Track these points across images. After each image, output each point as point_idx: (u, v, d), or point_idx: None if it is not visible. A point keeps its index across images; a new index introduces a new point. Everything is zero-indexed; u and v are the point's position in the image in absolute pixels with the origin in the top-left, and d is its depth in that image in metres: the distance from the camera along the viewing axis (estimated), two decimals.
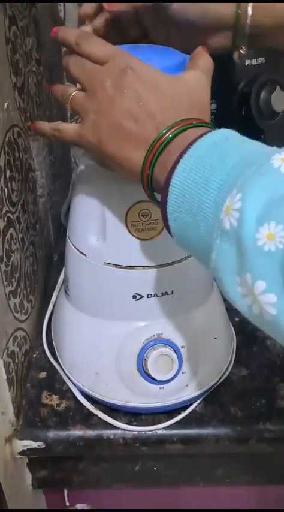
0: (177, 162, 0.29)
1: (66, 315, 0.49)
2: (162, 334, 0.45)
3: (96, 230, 0.43)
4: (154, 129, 0.32)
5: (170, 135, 0.31)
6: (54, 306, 0.56)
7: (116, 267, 0.43)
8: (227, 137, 0.29)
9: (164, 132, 0.31)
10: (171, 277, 0.44)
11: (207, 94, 0.35)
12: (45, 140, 0.64)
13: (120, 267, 0.43)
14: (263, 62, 0.59)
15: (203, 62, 0.35)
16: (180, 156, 0.29)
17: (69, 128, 0.36)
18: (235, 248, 0.25)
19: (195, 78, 0.34)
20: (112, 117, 0.33)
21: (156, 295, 0.44)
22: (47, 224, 0.65)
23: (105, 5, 0.39)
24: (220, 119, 0.59)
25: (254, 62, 0.59)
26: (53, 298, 0.58)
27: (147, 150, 0.32)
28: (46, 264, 0.63)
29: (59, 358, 0.51)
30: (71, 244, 0.46)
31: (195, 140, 0.29)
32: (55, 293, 0.58)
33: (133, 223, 0.41)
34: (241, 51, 0.41)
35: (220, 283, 0.27)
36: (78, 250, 0.45)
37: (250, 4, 0.37)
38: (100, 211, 0.42)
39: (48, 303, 0.58)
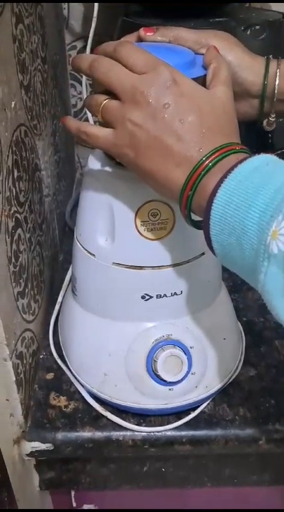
0: (219, 185, 0.30)
1: (74, 316, 0.49)
2: (171, 335, 0.45)
3: (105, 230, 0.43)
4: (197, 151, 0.32)
5: (213, 161, 0.31)
6: (60, 307, 0.56)
7: (125, 268, 0.43)
8: (268, 162, 0.29)
9: (208, 155, 0.31)
10: (180, 277, 0.44)
11: (234, 111, 0.35)
12: (49, 139, 0.63)
13: (129, 267, 0.43)
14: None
15: (224, 75, 0.35)
16: (221, 180, 0.30)
17: (99, 134, 0.35)
18: None
19: (226, 95, 0.34)
20: (153, 131, 0.32)
21: (165, 295, 0.44)
22: (52, 224, 0.64)
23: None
24: None
25: None
26: (60, 299, 0.57)
27: (189, 171, 0.32)
28: (52, 263, 0.62)
29: (66, 359, 0.51)
30: (79, 245, 0.46)
31: (236, 165, 0.30)
32: (61, 293, 0.58)
33: (143, 223, 0.41)
34: (270, 118, 0.42)
35: (269, 304, 0.28)
36: (86, 250, 0.45)
37: (278, 72, 0.38)
38: (109, 211, 0.42)
39: (55, 303, 0.57)
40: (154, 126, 0.32)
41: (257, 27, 0.58)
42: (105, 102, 0.34)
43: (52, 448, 0.46)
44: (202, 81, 0.37)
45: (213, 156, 0.31)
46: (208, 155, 0.31)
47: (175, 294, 0.44)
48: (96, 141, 0.35)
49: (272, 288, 0.27)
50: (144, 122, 0.32)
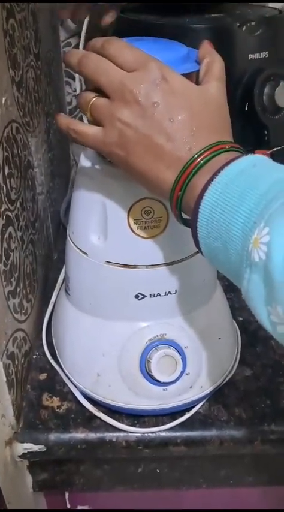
0: (205, 188, 0.29)
1: (67, 315, 0.48)
2: (165, 334, 0.44)
3: (98, 228, 0.42)
4: (187, 150, 0.31)
5: (203, 161, 0.31)
6: (54, 306, 0.55)
7: (118, 266, 0.42)
8: (255, 164, 0.29)
9: (197, 155, 0.31)
10: (175, 276, 0.43)
11: (227, 106, 0.34)
12: (43, 137, 0.62)
13: (122, 266, 0.42)
14: (267, 56, 0.58)
15: (218, 70, 0.34)
16: (208, 182, 0.29)
17: (89, 132, 0.34)
18: (265, 280, 0.26)
19: (219, 91, 0.34)
20: (142, 130, 0.31)
21: (159, 294, 0.43)
22: (46, 222, 0.63)
23: None
24: None
25: (257, 55, 0.58)
26: (53, 298, 0.57)
27: (178, 171, 0.31)
28: (45, 262, 0.62)
29: (59, 359, 0.50)
30: (72, 243, 0.45)
31: (223, 167, 0.29)
32: (55, 292, 0.57)
33: (136, 221, 0.40)
34: None
35: (253, 310, 0.28)
36: (78, 249, 0.44)
37: None
38: (102, 208, 0.41)
39: (48, 303, 0.57)
40: (143, 125, 0.32)
41: (253, 23, 0.58)
42: (94, 99, 0.33)
43: (44, 449, 0.45)
44: (195, 76, 0.36)
45: (202, 156, 0.31)
46: (197, 155, 0.31)
47: (170, 293, 0.44)
48: (86, 140, 0.34)
49: (254, 296, 0.27)
50: (133, 120, 0.32)
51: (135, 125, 0.32)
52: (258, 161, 0.29)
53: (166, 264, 0.42)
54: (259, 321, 0.28)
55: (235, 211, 0.28)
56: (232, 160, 0.29)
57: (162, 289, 0.43)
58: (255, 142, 0.59)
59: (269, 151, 0.57)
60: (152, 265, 0.42)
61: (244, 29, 0.57)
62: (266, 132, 0.57)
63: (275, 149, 0.57)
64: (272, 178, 0.28)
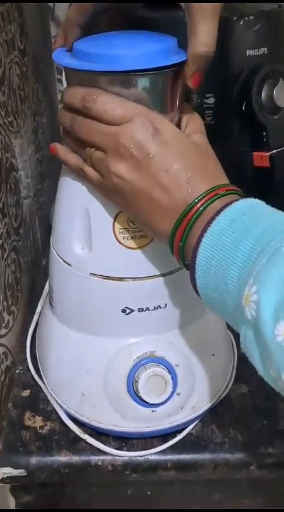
0: (200, 240, 0.29)
1: (51, 329, 0.45)
2: (154, 352, 0.41)
3: (81, 238, 0.39)
4: (182, 199, 0.31)
5: (198, 212, 0.30)
6: (39, 318, 0.52)
7: (103, 279, 0.39)
8: (244, 212, 0.28)
9: (193, 204, 0.31)
10: (165, 289, 0.40)
11: (214, 154, 0.34)
12: (30, 138, 0.59)
13: (108, 278, 0.39)
14: (266, 52, 0.55)
15: (199, 124, 0.35)
16: (202, 234, 0.29)
17: (93, 175, 0.34)
18: (257, 339, 0.26)
19: (205, 141, 0.34)
20: (139, 184, 0.31)
21: (147, 309, 0.40)
22: (33, 227, 0.60)
23: None
24: (218, 115, 0.55)
25: (255, 52, 0.55)
26: (38, 309, 0.53)
27: (175, 220, 0.31)
28: (32, 270, 0.58)
29: (42, 376, 0.47)
30: (55, 253, 0.42)
31: (214, 218, 0.29)
32: (40, 303, 0.54)
33: (122, 230, 0.37)
34: None
35: (252, 364, 0.28)
36: (62, 259, 0.41)
37: None
38: (86, 216, 0.38)
39: (34, 313, 0.54)
40: (139, 178, 0.31)
41: (251, 17, 0.54)
42: (92, 153, 0.33)
43: (25, 473, 0.42)
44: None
45: (199, 205, 0.30)
46: (193, 204, 0.30)
47: (159, 307, 0.40)
48: (91, 181, 0.35)
49: (251, 352, 0.27)
50: (128, 174, 0.32)
51: (130, 179, 0.32)
52: (247, 208, 0.29)
53: (155, 277, 0.39)
54: (260, 373, 0.28)
55: (229, 264, 0.27)
56: (224, 207, 0.29)
57: (151, 303, 0.40)
58: (253, 143, 0.56)
59: (268, 153, 0.54)
60: (140, 278, 0.39)
61: (241, 23, 0.54)
62: (264, 133, 0.54)
63: (274, 151, 0.54)
64: (261, 226, 0.27)
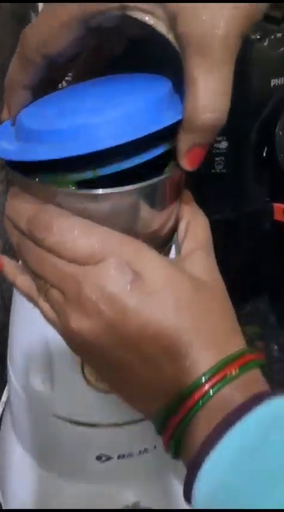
0: (202, 460, 0.19)
1: (12, 456, 0.36)
2: (139, 502, 0.32)
3: (40, 369, 0.30)
4: (175, 377, 0.20)
5: (195, 408, 0.20)
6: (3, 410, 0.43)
7: (71, 423, 0.30)
8: (267, 436, 0.18)
9: (190, 391, 0.20)
10: (151, 431, 0.31)
11: (225, 288, 0.23)
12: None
13: (76, 423, 0.30)
14: None
15: (202, 233, 0.24)
16: (205, 451, 0.19)
17: (50, 315, 0.23)
18: None
19: (209, 267, 0.23)
20: (109, 352, 0.21)
21: (130, 455, 0.31)
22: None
23: None
24: (231, 162, 0.44)
25: (282, 81, 0.44)
26: (4, 398, 0.44)
27: (166, 404, 0.21)
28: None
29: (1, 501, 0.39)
30: (12, 375, 0.33)
31: (223, 431, 0.18)
32: (5, 392, 0.45)
33: (93, 371, 0.28)
34: None
35: None
36: (20, 387, 0.32)
37: None
38: (43, 342, 0.29)
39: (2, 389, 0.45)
40: (110, 345, 0.21)
41: (279, 35, 0.43)
42: (47, 288, 0.23)
43: None
44: None
45: (198, 394, 0.20)
46: (190, 390, 0.20)
47: (146, 451, 0.31)
48: (47, 320, 0.24)
49: None
50: (94, 337, 0.21)
51: (98, 344, 0.21)
52: (271, 430, 0.18)
53: (138, 421, 0.30)
54: None
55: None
56: (240, 413, 0.19)
57: (136, 448, 0.31)
58: (273, 194, 0.47)
59: None
60: (119, 425, 0.30)
61: (265, 43, 0.43)
62: None
63: None
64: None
